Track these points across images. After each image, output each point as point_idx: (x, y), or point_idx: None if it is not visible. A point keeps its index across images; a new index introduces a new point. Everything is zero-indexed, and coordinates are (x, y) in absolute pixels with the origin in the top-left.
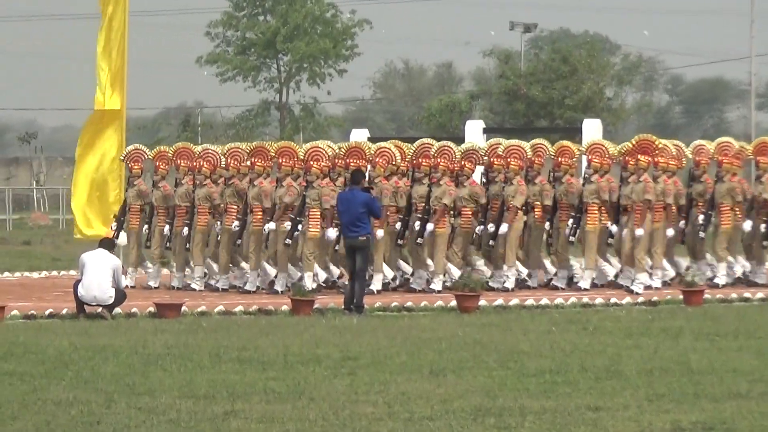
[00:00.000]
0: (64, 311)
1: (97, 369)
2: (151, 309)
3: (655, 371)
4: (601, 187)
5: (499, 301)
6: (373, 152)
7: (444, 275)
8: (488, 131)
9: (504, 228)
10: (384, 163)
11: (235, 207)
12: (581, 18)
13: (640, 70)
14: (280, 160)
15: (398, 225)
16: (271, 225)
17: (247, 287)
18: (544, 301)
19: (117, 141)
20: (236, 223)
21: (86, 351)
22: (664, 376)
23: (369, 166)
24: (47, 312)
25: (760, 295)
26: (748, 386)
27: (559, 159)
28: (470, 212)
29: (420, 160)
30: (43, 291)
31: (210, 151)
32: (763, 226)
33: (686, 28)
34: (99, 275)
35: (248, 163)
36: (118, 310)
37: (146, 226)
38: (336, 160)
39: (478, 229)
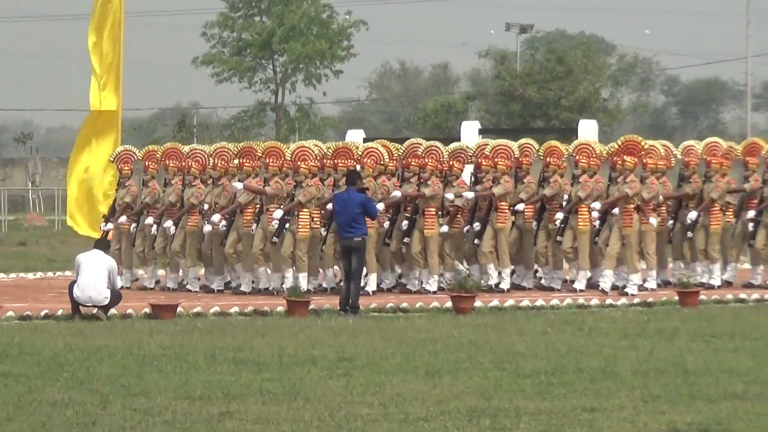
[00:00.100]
0: (60, 312)
1: (92, 370)
2: (147, 310)
3: (651, 372)
4: (584, 187)
5: (495, 302)
6: (361, 152)
7: (440, 276)
8: (484, 132)
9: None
10: (372, 164)
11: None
12: (577, 19)
13: (636, 70)
14: (267, 161)
15: (386, 224)
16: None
17: (242, 288)
18: (540, 302)
19: (112, 142)
20: (224, 223)
21: (81, 352)
22: (659, 377)
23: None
24: (42, 313)
25: (755, 296)
26: (743, 387)
27: (548, 159)
28: (459, 212)
29: (409, 159)
30: (38, 292)
31: (198, 151)
32: (750, 226)
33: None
34: (94, 276)
35: (236, 163)
36: (113, 311)
37: (134, 225)
38: (324, 161)
39: (466, 228)
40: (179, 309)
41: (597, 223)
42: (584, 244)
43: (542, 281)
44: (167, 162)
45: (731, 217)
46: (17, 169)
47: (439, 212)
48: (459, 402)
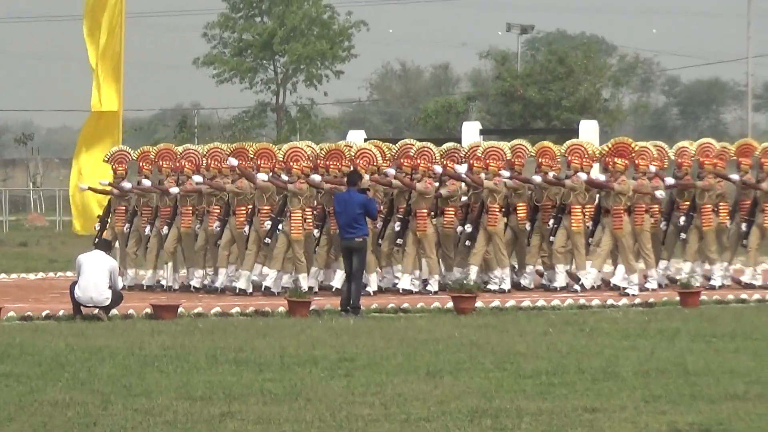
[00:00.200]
0: (61, 312)
1: (93, 370)
2: (148, 310)
3: (652, 372)
4: (579, 188)
5: (496, 303)
6: (353, 154)
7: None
8: (485, 132)
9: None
10: (365, 165)
11: (217, 208)
12: (578, 19)
13: (637, 71)
14: (259, 162)
15: (379, 225)
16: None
17: (241, 286)
18: (541, 302)
19: (113, 143)
20: (217, 223)
21: (83, 352)
22: (660, 378)
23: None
24: (44, 313)
25: (756, 296)
26: (744, 387)
27: (540, 160)
28: (453, 212)
29: (401, 160)
30: (39, 292)
31: (192, 151)
32: (743, 226)
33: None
34: (96, 276)
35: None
36: (114, 311)
37: (128, 226)
38: (318, 161)
39: (459, 229)
40: (180, 309)
41: (590, 224)
42: (579, 245)
43: (542, 281)
44: (161, 162)
45: (726, 217)
46: (18, 169)
47: (432, 213)
48: (460, 402)
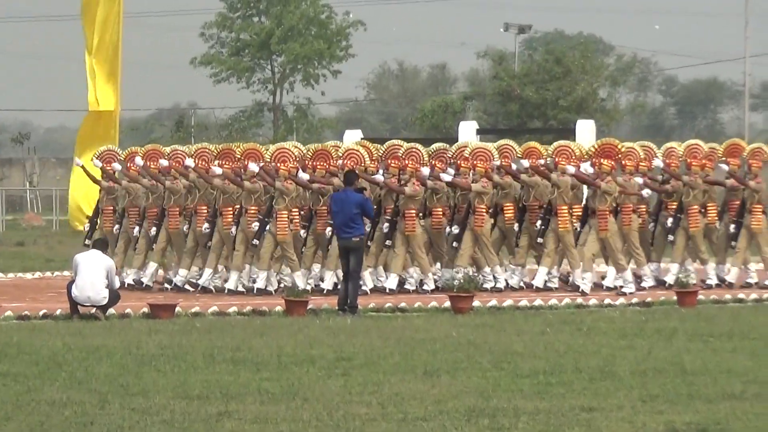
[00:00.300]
0: (58, 312)
1: (90, 370)
2: (145, 310)
3: (649, 372)
4: (565, 188)
5: (493, 302)
6: (341, 154)
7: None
8: (482, 132)
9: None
10: (352, 165)
11: (205, 208)
12: (575, 19)
13: (634, 71)
14: (246, 162)
15: (368, 227)
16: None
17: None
18: (538, 302)
19: (111, 143)
20: (206, 225)
21: (80, 352)
22: (657, 377)
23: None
24: (41, 313)
25: (754, 296)
26: (742, 387)
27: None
28: (441, 213)
29: (389, 161)
30: (36, 292)
31: (179, 152)
32: (731, 227)
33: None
34: (93, 276)
35: (216, 163)
36: (111, 310)
37: (117, 227)
38: (305, 162)
39: (446, 230)
40: (177, 309)
41: (578, 225)
42: (569, 244)
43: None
44: (148, 163)
45: (714, 218)
46: (15, 169)
47: (420, 214)
48: (457, 402)
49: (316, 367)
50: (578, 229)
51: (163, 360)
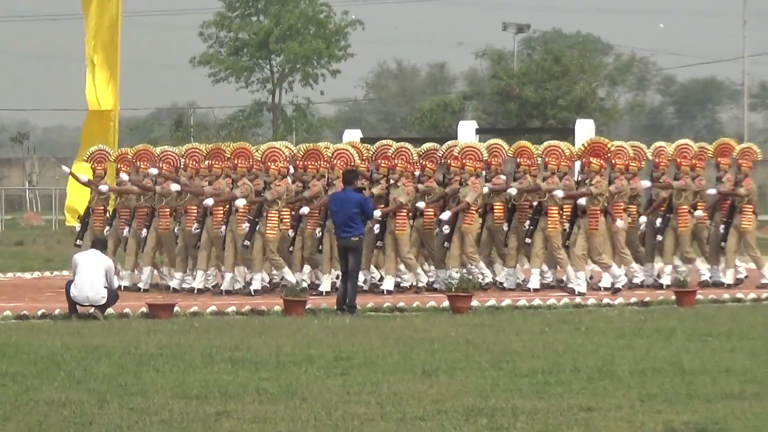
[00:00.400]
0: (57, 312)
1: (89, 369)
2: (144, 309)
3: (648, 371)
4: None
5: (492, 302)
6: (331, 154)
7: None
8: (481, 132)
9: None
10: (342, 165)
11: (195, 208)
12: (574, 19)
13: (633, 70)
14: (236, 161)
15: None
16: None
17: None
18: (537, 301)
19: (110, 142)
20: (196, 225)
21: (79, 351)
22: (656, 377)
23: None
24: (40, 312)
25: (752, 295)
26: (740, 387)
27: (518, 159)
28: (432, 213)
29: (379, 161)
30: (35, 291)
31: (169, 152)
32: (721, 227)
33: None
34: (91, 276)
35: (206, 164)
36: (110, 310)
37: (108, 228)
38: (296, 162)
39: (436, 231)
40: (176, 308)
41: (567, 225)
42: (555, 246)
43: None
44: (138, 164)
45: (704, 218)
46: (14, 168)
47: (410, 214)
48: (456, 401)
49: (314, 367)
50: (567, 229)
51: (161, 360)
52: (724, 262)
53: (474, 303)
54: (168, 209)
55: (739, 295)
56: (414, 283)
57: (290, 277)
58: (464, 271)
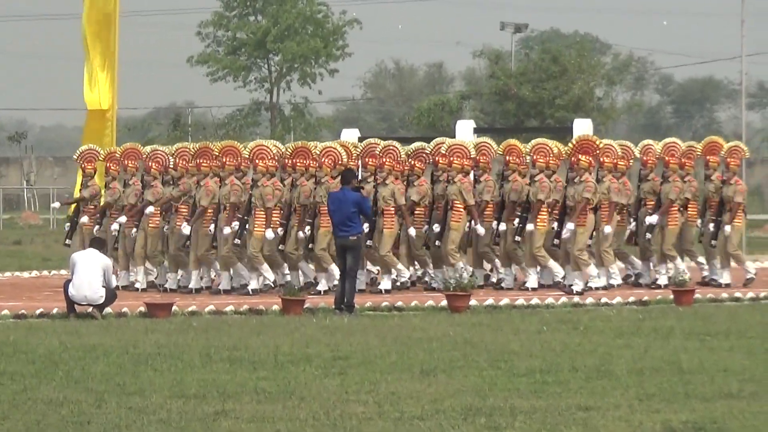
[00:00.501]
0: (55, 311)
1: (87, 368)
2: (142, 309)
3: (646, 371)
4: (542, 187)
5: (490, 301)
6: (319, 152)
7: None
8: (479, 131)
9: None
10: (330, 164)
11: (185, 208)
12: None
13: (630, 69)
14: (225, 160)
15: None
16: (227, 229)
17: (191, 285)
18: (535, 300)
19: (107, 142)
20: (185, 224)
21: (77, 350)
22: (654, 376)
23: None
24: (38, 312)
25: (750, 294)
26: (738, 386)
27: (507, 158)
28: (422, 212)
29: (366, 159)
30: (33, 290)
31: (158, 151)
32: (711, 226)
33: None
34: (89, 275)
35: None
36: (108, 309)
37: (97, 227)
38: (285, 160)
39: (425, 229)
40: (174, 308)
41: (555, 224)
42: (535, 245)
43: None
44: (126, 162)
45: (694, 216)
46: (12, 167)
47: (398, 212)
48: (454, 400)
49: (312, 366)
50: (555, 227)
51: (159, 359)
52: (719, 261)
53: (472, 302)
54: (158, 208)
55: (738, 295)
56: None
57: (270, 275)
58: (445, 269)
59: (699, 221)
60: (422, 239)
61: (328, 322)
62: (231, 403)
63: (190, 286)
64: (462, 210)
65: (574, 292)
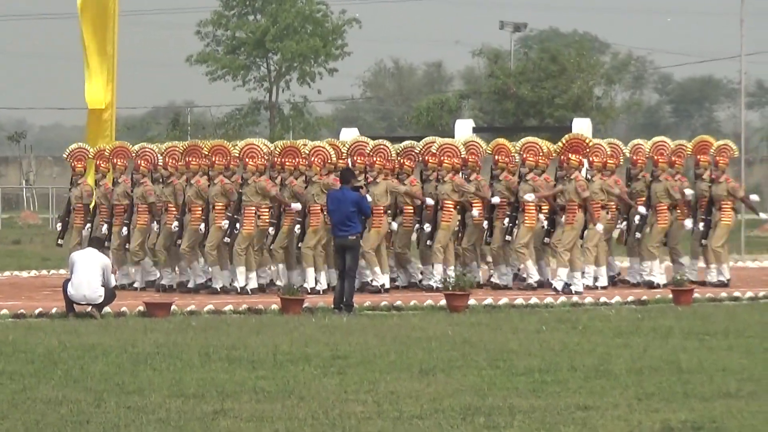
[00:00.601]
0: (54, 310)
1: (86, 368)
2: (141, 308)
3: (645, 370)
4: (540, 185)
5: (489, 300)
6: (308, 151)
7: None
8: (478, 130)
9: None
10: (320, 162)
11: (174, 207)
12: (571, 17)
13: (630, 68)
14: (214, 159)
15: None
16: (225, 223)
17: (189, 285)
18: (534, 300)
19: (108, 141)
20: (176, 223)
21: (76, 350)
22: (653, 375)
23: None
24: (37, 311)
25: (749, 294)
26: (737, 385)
27: (496, 157)
28: (412, 210)
29: (355, 158)
30: (32, 290)
31: (147, 149)
32: (701, 225)
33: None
34: (88, 274)
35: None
36: (107, 309)
37: (89, 226)
38: (275, 159)
39: (416, 227)
40: (173, 307)
41: (545, 223)
42: (519, 242)
43: (492, 279)
44: (115, 160)
45: (684, 215)
46: (11, 167)
47: (388, 211)
48: (453, 400)
49: (311, 366)
50: (544, 226)
51: (158, 358)
52: (714, 261)
53: (471, 302)
54: (147, 206)
55: (737, 294)
56: (369, 281)
57: (241, 278)
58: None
59: (691, 221)
60: (408, 236)
61: (327, 321)
62: (230, 403)
63: (189, 285)
64: (452, 209)
65: (573, 292)
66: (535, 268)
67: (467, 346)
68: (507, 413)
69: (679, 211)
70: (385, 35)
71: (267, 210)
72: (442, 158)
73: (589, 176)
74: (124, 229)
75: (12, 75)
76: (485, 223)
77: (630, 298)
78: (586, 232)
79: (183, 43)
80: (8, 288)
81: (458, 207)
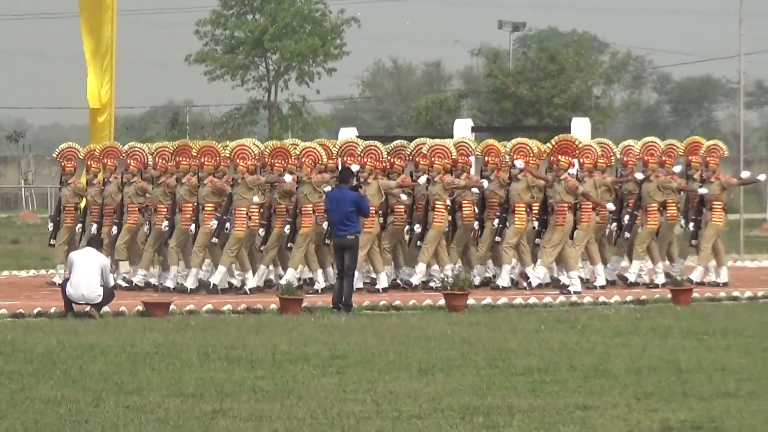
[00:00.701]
0: (53, 310)
1: (85, 367)
2: (140, 308)
3: (644, 370)
4: (522, 188)
5: (488, 300)
6: (299, 152)
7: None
8: (477, 130)
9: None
10: (310, 163)
11: (164, 207)
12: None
13: (628, 68)
14: (203, 159)
15: (326, 224)
16: (213, 224)
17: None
18: (533, 299)
19: (105, 140)
20: (166, 223)
21: (74, 350)
22: (652, 375)
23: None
24: (35, 311)
25: (748, 293)
26: (736, 385)
27: (486, 158)
28: (403, 210)
29: (345, 159)
30: (31, 290)
31: (137, 149)
32: (691, 225)
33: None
34: (87, 274)
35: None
36: (106, 308)
37: (80, 225)
38: (265, 160)
39: (406, 229)
40: (172, 307)
41: (536, 223)
42: (507, 242)
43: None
44: (105, 160)
45: (674, 215)
46: (10, 167)
47: (379, 211)
48: (452, 399)
49: (310, 365)
50: (535, 227)
51: (157, 358)
52: (704, 261)
53: (470, 301)
54: (137, 206)
55: (735, 294)
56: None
57: (218, 276)
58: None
59: (683, 221)
60: (397, 235)
61: (325, 321)
62: (229, 402)
63: (187, 284)
64: (444, 210)
65: (572, 292)
66: (509, 270)
67: (466, 346)
68: (506, 413)
69: (669, 212)
70: (383, 35)
71: (257, 211)
72: (433, 159)
73: (579, 177)
74: (114, 229)
75: (12, 75)
76: (476, 224)
77: (629, 298)
78: (575, 232)
79: (182, 43)
80: (7, 287)
81: (449, 208)
